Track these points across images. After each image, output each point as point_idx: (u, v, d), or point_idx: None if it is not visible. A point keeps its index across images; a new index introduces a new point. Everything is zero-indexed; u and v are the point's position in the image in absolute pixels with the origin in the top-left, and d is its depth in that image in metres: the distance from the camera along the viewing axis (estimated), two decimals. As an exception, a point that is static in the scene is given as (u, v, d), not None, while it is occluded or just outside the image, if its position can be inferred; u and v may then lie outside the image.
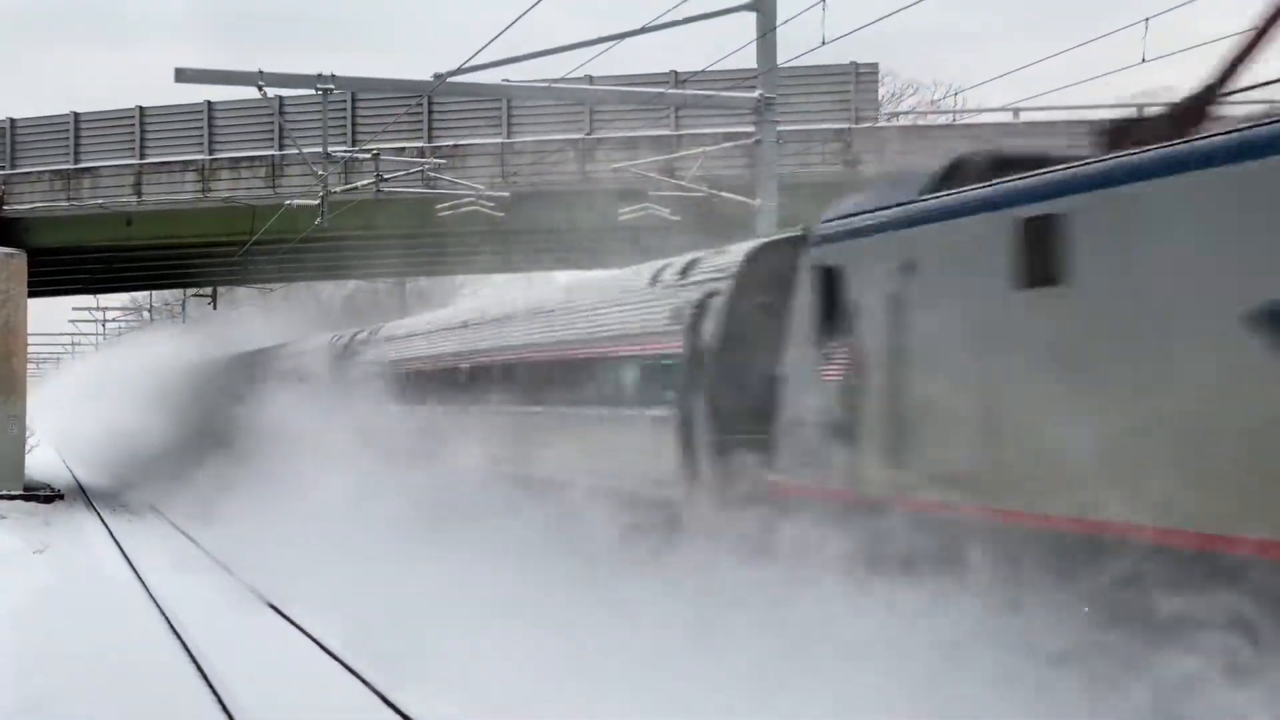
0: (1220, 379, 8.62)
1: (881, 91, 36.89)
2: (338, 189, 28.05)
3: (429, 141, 31.61)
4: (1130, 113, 29.25)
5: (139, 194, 33.82)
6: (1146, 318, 9.20)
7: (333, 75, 23.21)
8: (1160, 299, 9.12)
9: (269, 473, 26.49)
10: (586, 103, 29.78)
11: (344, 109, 31.74)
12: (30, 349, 40.66)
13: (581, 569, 16.00)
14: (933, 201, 11.83)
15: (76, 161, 34.34)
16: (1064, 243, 9.88)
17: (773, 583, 12.46)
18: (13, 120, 35.05)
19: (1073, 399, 9.68)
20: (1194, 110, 10.50)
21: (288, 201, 29.93)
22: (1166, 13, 16.64)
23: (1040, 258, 10.08)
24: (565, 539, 16.80)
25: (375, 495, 22.42)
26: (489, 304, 25.26)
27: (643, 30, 21.43)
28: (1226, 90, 10.80)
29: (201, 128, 33.50)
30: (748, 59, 23.35)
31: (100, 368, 61.27)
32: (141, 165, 33.80)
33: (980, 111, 33.04)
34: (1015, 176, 10.73)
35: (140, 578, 22.31)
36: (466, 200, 28.07)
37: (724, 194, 24.22)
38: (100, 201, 34.07)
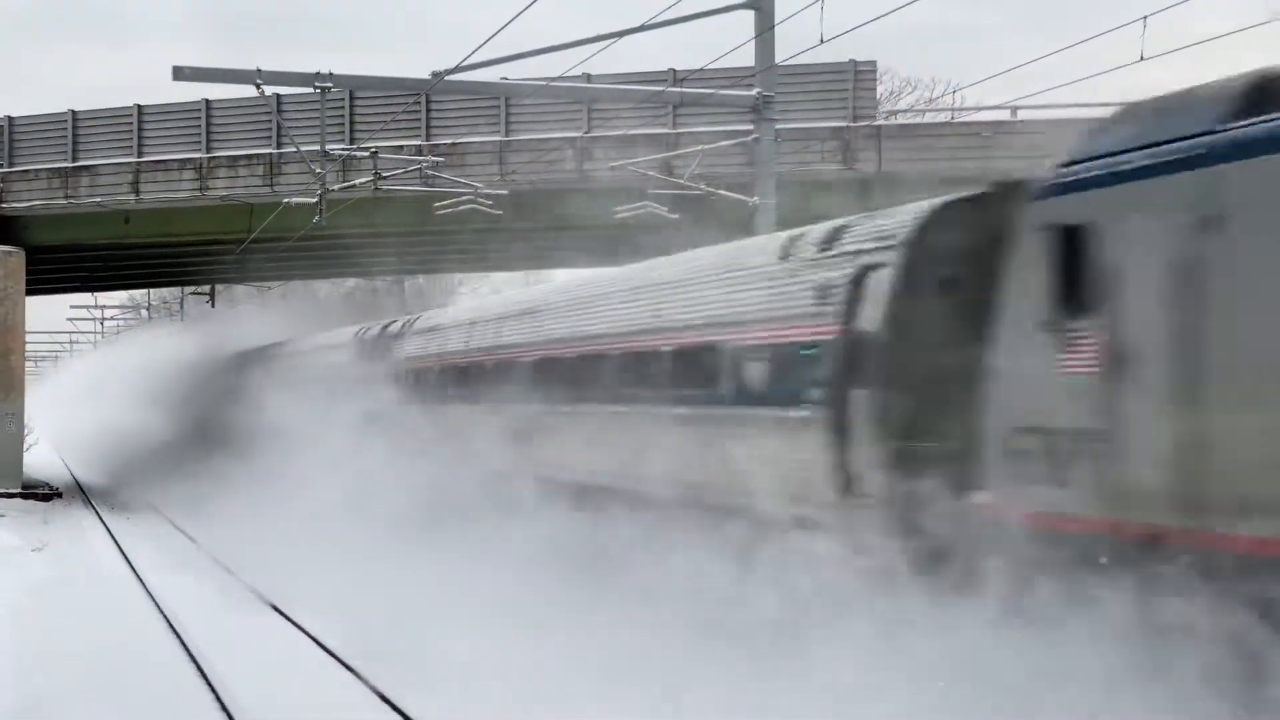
0: None
1: (880, 90, 36.90)
2: (336, 187, 28.04)
3: (427, 140, 31.59)
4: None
5: (137, 192, 33.80)
6: None
7: (330, 73, 23.20)
8: None
9: (296, 479, 24.64)
10: (585, 101, 29.78)
11: (342, 107, 31.73)
12: (28, 347, 40.63)
13: (694, 610, 13.59)
14: (1255, 129, 8.86)
15: (75, 159, 34.33)
16: None
17: (1002, 648, 9.82)
18: (11, 118, 35.03)
19: None
20: None
21: (286, 200, 29.93)
22: (1164, 11, 16.64)
23: None
24: (671, 571, 14.33)
25: (430, 517, 20.46)
26: (557, 288, 22.63)
27: (641, 28, 21.44)
28: None
29: (199, 126, 33.48)
30: (746, 57, 23.36)
31: (102, 365, 60.84)
32: (139, 163, 33.78)
33: (978, 110, 33.04)
34: None
35: (139, 576, 22.30)
36: (465, 199, 28.05)
37: (722, 192, 24.21)
38: (98, 199, 34.06)
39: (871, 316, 12.49)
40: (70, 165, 34.25)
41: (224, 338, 45.52)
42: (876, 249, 12.79)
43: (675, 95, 26.10)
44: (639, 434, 16.51)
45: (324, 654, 15.48)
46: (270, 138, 32.85)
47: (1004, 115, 29.40)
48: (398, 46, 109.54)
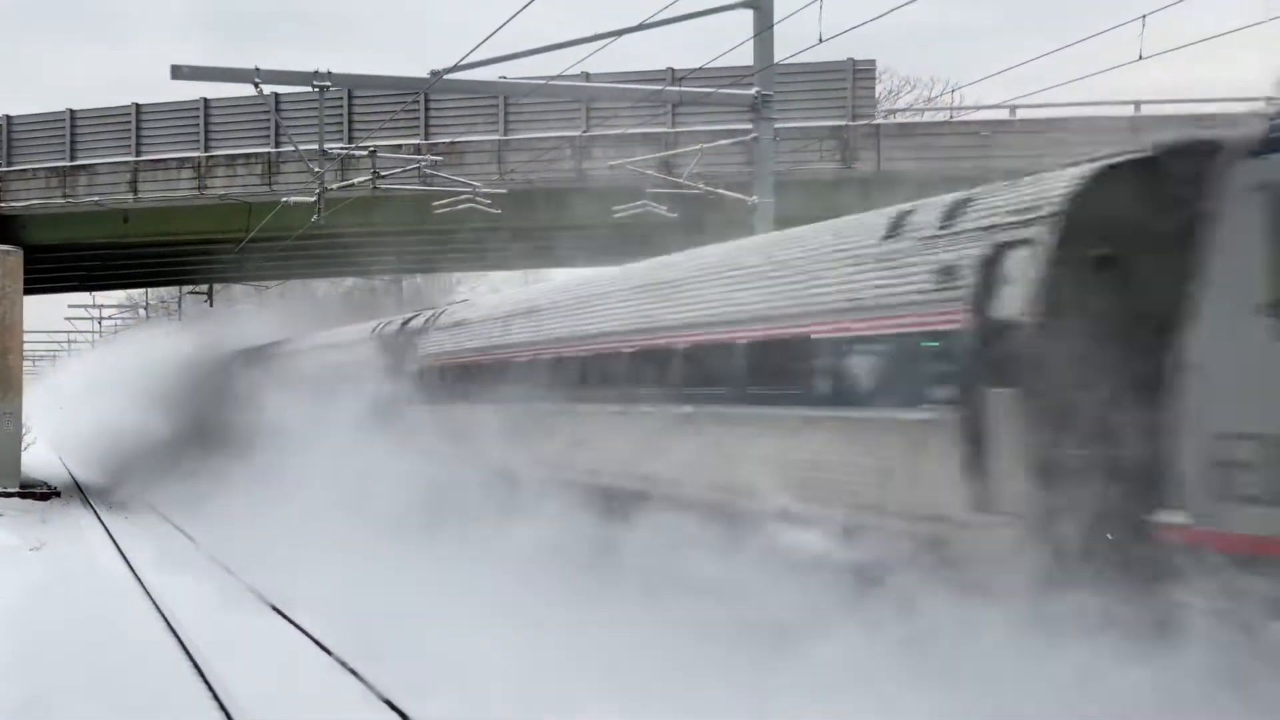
0: None
1: (878, 89, 36.90)
2: (334, 186, 28.02)
3: (425, 139, 31.59)
4: (1127, 110, 29.27)
5: (135, 191, 33.78)
6: None
7: (329, 72, 23.18)
8: None
9: (308, 481, 23.46)
10: (583, 100, 29.77)
11: (340, 106, 31.72)
12: (26, 346, 40.60)
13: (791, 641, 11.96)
14: None
15: (73, 158, 34.31)
16: None
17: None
18: (9, 117, 35.02)
19: None
20: None
21: (284, 199, 29.92)
22: (1163, 10, 16.61)
23: None
24: (765, 593, 12.69)
25: (462, 528, 19.05)
26: (612, 275, 19.92)
27: (640, 27, 21.42)
28: None
29: (198, 125, 33.47)
30: (745, 56, 23.35)
31: (101, 364, 60.48)
32: (137, 162, 33.77)
33: (977, 109, 33.04)
34: None
35: (137, 576, 22.28)
36: (463, 198, 28.03)
37: (721, 191, 24.19)
38: (96, 198, 34.04)
39: (1012, 302, 10.73)
40: (68, 164, 34.24)
41: (226, 336, 45.22)
42: (1015, 224, 11.07)
43: (674, 94, 26.09)
44: (709, 438, 14.77)
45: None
46: (268, 137, 32.84)
47: (1003, 114, 29.41)
48: (396, 46, 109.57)
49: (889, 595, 11.30)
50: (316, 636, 16.14)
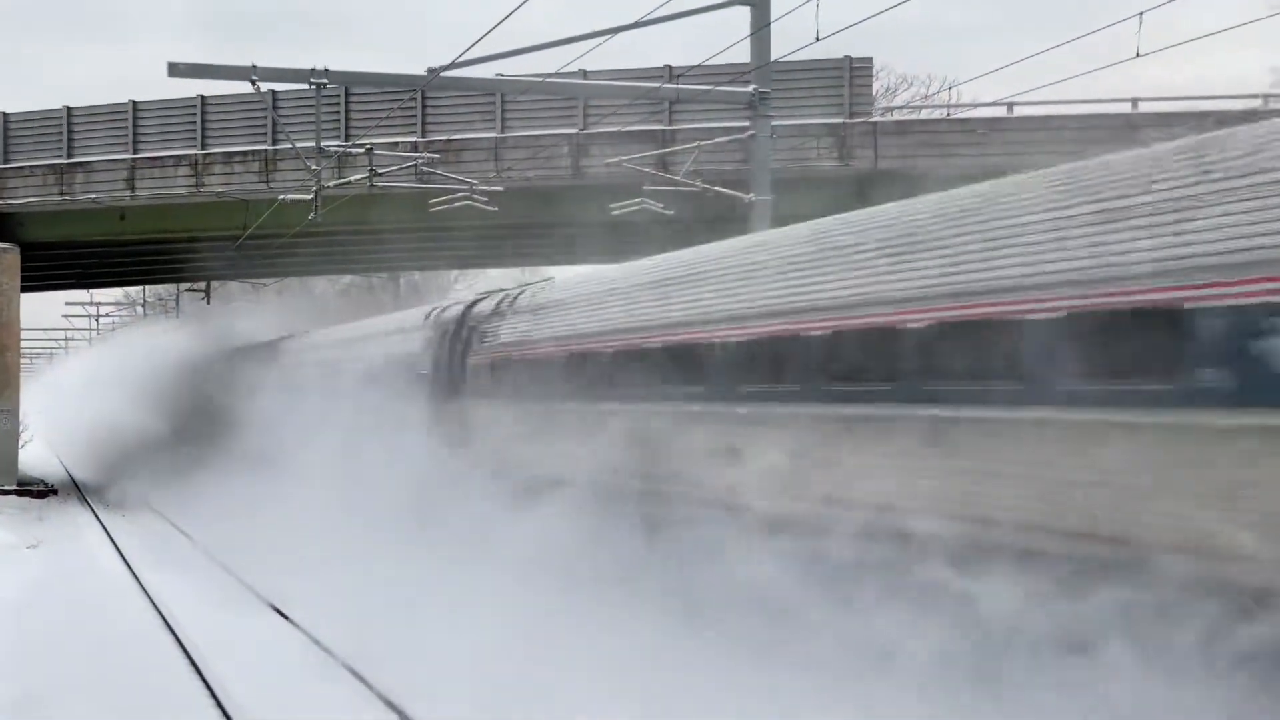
0: None
1: (876, 86, 36.90)
2: (331, 184, 28.01)
3: (423, 136, 31.58)
4: (1124, 107, 29.27)
5: (132, 188, 33.76)
6: None
7: (326, 70, 23.17)
8: None
9: (347, 491, 21.11)
10: (580, 98, 29.77)
11: (337, 104, 31.72)
12: (23, 344, 40.58)
13: None
14: None
15: (70, 156, 34.29)
16: None
17: None
18: (6, 115, 35.00)
19: None
20: None
21: (281, 196, 29.90)
22: (1160, 7, 16.60)
23: None
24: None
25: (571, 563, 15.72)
26: (776, 236, 15.57)
27: (637, 25, 21.40)
28: None
29: (194, 122, 33.46)
30: (742, 54, 23.34)
31: (101, 361, 59.75)
32: (135, 160, 33.75)
33: (974, 106, 33.04)
34: None
35: (135, 574, 22.26)
36: (460, 195, 28.02)
37: (718, 189, 24.19)
38: (93, 196, 34.02)
39: None
40: (65, 161, 34.22)
41: (233, 330, 44.16)
42: None
43: (671, 92, 26.09)
44: (963, 451, 11.00)
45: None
46: (266, 134, 32.82)
47: (1000, 111, 29.41)
48: (393, 43, 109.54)
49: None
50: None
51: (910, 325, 11.68)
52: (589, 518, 15.89)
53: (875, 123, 30.17)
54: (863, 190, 27.84)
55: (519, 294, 21.42)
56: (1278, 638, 8.47)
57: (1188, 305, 9.10)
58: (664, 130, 29.77)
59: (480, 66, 23.42)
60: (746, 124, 23.61)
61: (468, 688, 12.32)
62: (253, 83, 23.17)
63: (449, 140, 31.29)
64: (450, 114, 31.77)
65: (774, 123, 23.51)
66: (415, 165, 28.83)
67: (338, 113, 31.77)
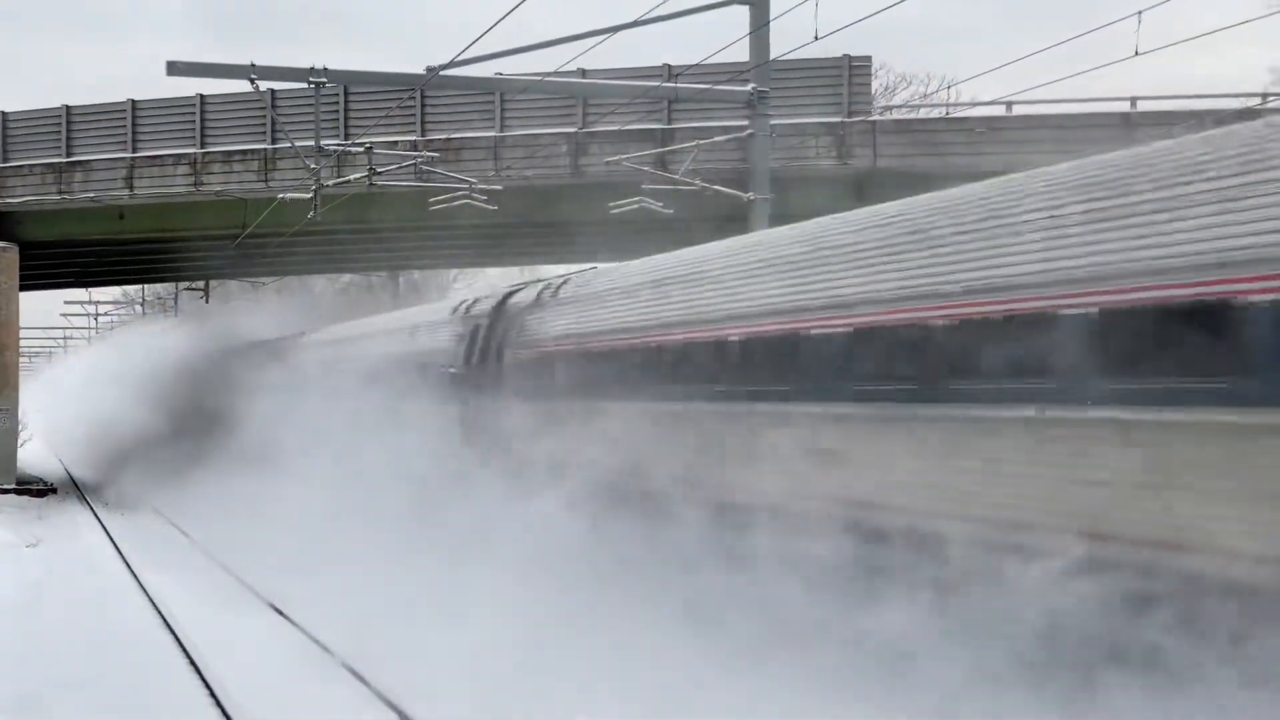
0: None
1: (875, 85, 36.92)
2: (330, 183, 28.00)
3: (422, 135, 31.59)
4: (1123, 106, 29.30)
5: (131, 187, 33.76)
6: None
7: (325, 69, 23.19)
8: None
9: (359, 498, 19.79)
10: (579, 96, 29.77)
11: (336, 102, 31.73)
12: (22, 343, 40.56)
13: None
14: None
15: (69, 155, 34.29)
16: None
17: None
18: (4, 114, 34.99)
19: None
20: None
21: (280, 195, 29.91)
22: (1158, 6, 16.62)
23: None
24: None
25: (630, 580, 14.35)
26: (875, 214, 13.37)
27: (636, 23, 21.41)
28: None
29: (194, 121, 33.46)
30: (741, 53, 23.35)
31: (102, 360, 59.12)
32: (133, 159, 33.75)
33: (973, 105, 33.05)
34: None
35: (134, 572, 22.26)
36: (459, 194, 28.02)
37: (717, 188, 24.20)
38: (92, 195, 34.02)
39: None
40: (64, 160, 34.22)
41: (235, 329, 43.13)
42: None
43: (670, 91, 26.10)
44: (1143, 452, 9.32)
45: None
46: (265, 133, 32.83)
47: (999, 110, 29.42)
48: (392, 42, 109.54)
49: None
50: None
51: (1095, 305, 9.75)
52: (670, 533, 14.06)
53: (874, 122, 30.18)
54: (861, 189, 27.87)
55: (562, 283, 19.33)
56: None
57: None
58: (663, 129, 29.77)
59: (479, 65, 23.46)
60: (745, 123, 23.63)
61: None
62: (252, 81, 23.19)
63: (448, 139, 31.30)
64: (449, 113, 31.78)
65: (773, 122, 23.54)
66: (414, 164, 28.84)
67: (337, 112, 31.78)
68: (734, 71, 24.32)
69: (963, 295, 11.02)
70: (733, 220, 23.28)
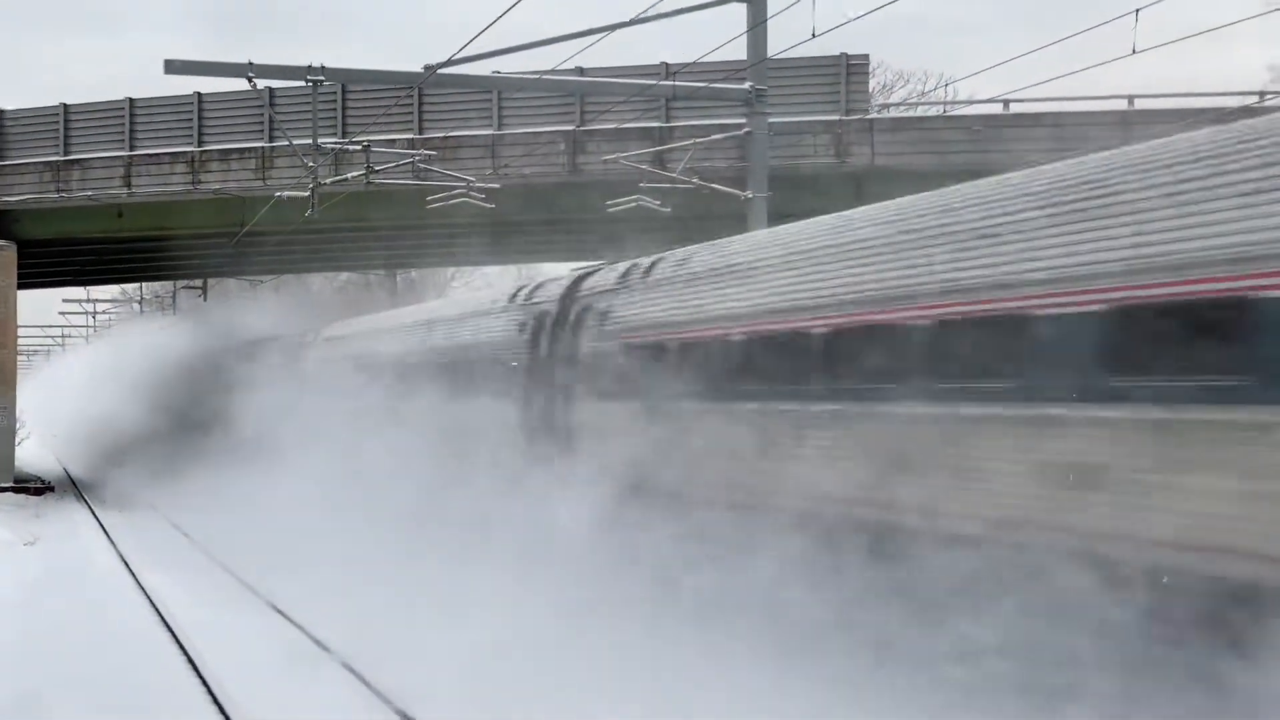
0: None
1: (872, 83, 36.92)
2: (328, 181, 27.99)
3: (419, 133, 31.59)
4: (1120, 104, 29.33)
5: (129, 186, 33.75)
6: None
7: (323, 67, 23.17)
8: None
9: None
10: (577, 95, 29.76)
11: (334, 101, 31.73)
12: (20, 341, 40.55)
13: None
14: None
15: (66, 153, 34.28)
16: None
17: None
18: (2, 112, 34.98)
19: None
20: None
21: (278, 193, 29.89)
22: (1156, 3, 16.60)
23: None
24: None
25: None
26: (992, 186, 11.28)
27: (634, 21, 21.40)
28: None
29: (191, 119, 33.45)
30: (738, 51, 23.34)
31: (104, 358, 58.39)
32: (131, 157, 33.74)
33: (971, 103, 33.05)
34: None
35: (132, 571, 22.25)
36: (457, 192, 28.01)
37: (715, 186, 24.20)
38: (90, 193, 34.00)
39: None
40: (62, 159, 34.20)
41: (243, 326, 41.72)
42: None
43: (667, 89, 26.09)
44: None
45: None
46: (262, 131, 32.82)
47: (997, 108, 29.43)
48: (390, 40, 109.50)
49: None
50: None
51: None
52: (840, 574, 11.40)
53: (872, 120, 30.18)
54: (859, 187, 27.88)
55: (654, 263, 16.47)
56: None
57: None
58: (661, 127, 29.77)
59: (477, 64, 23.41)
60: (743, 121, 23.62)
61: None
62: (249, 80, 23.16)
63: (446, 137, 31.29)
64: (447, 111, 31.77)
65: (770, 120, 23.53)
66: (412, 162, 28.83)
67: (334, 110, 31.78)
68: (731, 70, 24.32)
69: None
70: (730, 219, 23.28)
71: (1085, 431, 9.47)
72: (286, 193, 29.35)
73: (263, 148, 32.78)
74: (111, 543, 26.52)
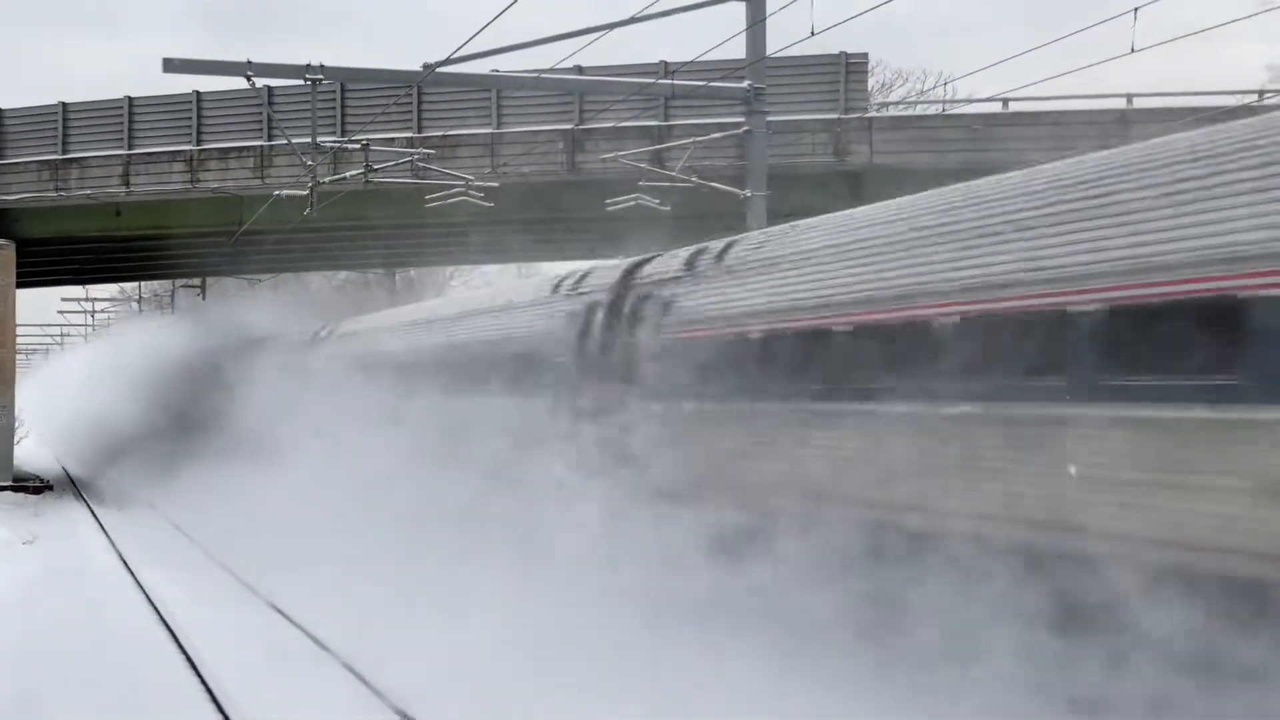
0: None
1: (871, 82, 36.91)
2: (327, 179, 27.97)
3: (418, 132, 31.59)
4: (1119, 103, 29.33)
5: (127, 184, 33.74)
6: None
7: (321, 66, 23.17)
8: None
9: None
10: (576, 93, 29.76)
11: (333, 99, 31.72)
12: (19, 340, 40.55)
13: None
14: None
15: (65, 152, 34.27)
16: None
17: None
18: (0, 110, 34.97)
19: None
20: None
21: (277, 192, 29.89)
22: (1155, 2, 16.59)
23: None
24: None
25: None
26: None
27: (633, 20, 21.39)
28: None
29: (190, 118, 33.45)
30: (737, 49, 23.33)
31: (102, 357, 57.72)
32: (130, 155, 33.74)
33: (970, 102, 33.06)
34: None
35: (131, 570, 22.24)
36: (456, 191, 28.00)
37: (714, 185, 24.19)
38: (88, 192, 34.00)
39: None
40: (60, 158, 34.19)
41: (249, 323, 40.56)
42: None
43: (666, 87, 26.08)
44: None
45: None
46: (261, 130, 32.82)
47: (995, 107, 29.43)
48: (389, 39, 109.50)
49: None
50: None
51: None
52: (1012, 588, 9.51)
53: (870, 118, 30.18)
54: (858, 186, 27.88)
55: (727, 246, 14.65)
56: None
57: None
58: (659, 126, 29.77)
59: (476, 62, 23.41)
60: (742, 120, 23.61)
61: None
62: (248, 78, 23.15)
63: (445, 136, 31.29)
64: (446, 110, 31.78)
65: (769, 118, 23.52)
66: (411, 161, 28.82)
67: (333, 108, 31.77)
68: (730, 68, 24.31)
69: None
70: (729, 217, 23.27)
71: None
72: (285, 191, 29.34)
73: (261, 146, 32.78)
74: (110, 542, 26.50)
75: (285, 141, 28.98)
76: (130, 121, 33.82)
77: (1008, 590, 9.43)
